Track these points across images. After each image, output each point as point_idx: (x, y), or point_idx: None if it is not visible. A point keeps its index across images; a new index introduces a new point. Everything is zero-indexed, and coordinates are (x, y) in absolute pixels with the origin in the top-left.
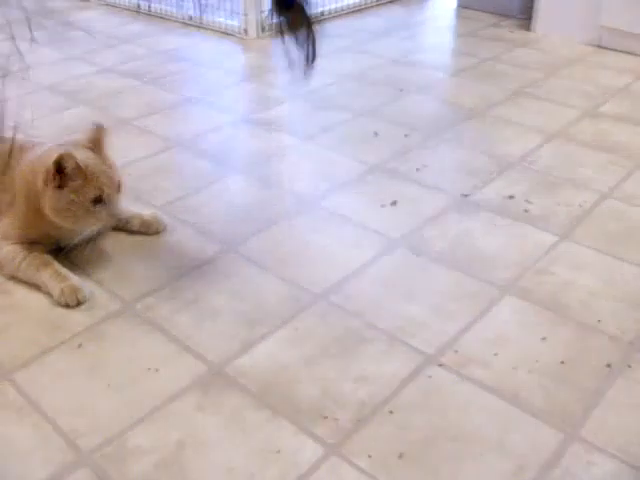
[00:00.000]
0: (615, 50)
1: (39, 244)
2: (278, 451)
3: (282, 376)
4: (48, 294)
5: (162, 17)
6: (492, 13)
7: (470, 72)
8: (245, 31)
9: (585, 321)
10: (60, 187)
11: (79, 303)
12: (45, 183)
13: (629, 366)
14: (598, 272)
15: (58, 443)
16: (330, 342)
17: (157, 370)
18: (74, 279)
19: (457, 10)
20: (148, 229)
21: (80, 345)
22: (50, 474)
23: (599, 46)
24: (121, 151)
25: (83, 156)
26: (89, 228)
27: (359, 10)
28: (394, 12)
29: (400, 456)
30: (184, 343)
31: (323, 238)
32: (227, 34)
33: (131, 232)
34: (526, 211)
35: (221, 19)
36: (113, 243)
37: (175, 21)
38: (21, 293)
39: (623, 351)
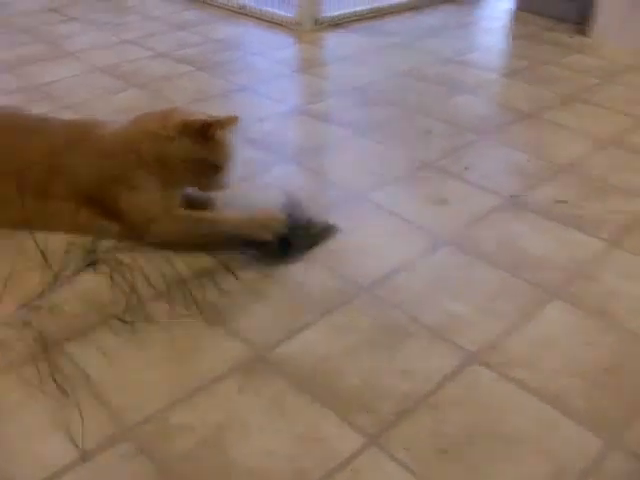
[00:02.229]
0: None
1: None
2: (318, 438)
3: (325, 365)
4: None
5: (216, 5)
6: (549, 17)
7: (524, 74)
8: (299, 23)
9: (632, 329)
10: (198, 142)
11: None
12: (190, 132)
13: None
14: None
15: (102, 416)
16: (374, 334)
17: (201, 351)
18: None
19: (513, 12)
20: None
21: (128, 323)
22: (95, 446)
23: None
24: None
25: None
26: (198, 188)
27: (414, 8)
28: (449, 11)
29: (440, 451)
30: (229, 326)
31: (370, 231)
32: (280, 25)
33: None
34: (576, 216)
35: (275, 10)
36: None
37: (229, 10)
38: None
39: None
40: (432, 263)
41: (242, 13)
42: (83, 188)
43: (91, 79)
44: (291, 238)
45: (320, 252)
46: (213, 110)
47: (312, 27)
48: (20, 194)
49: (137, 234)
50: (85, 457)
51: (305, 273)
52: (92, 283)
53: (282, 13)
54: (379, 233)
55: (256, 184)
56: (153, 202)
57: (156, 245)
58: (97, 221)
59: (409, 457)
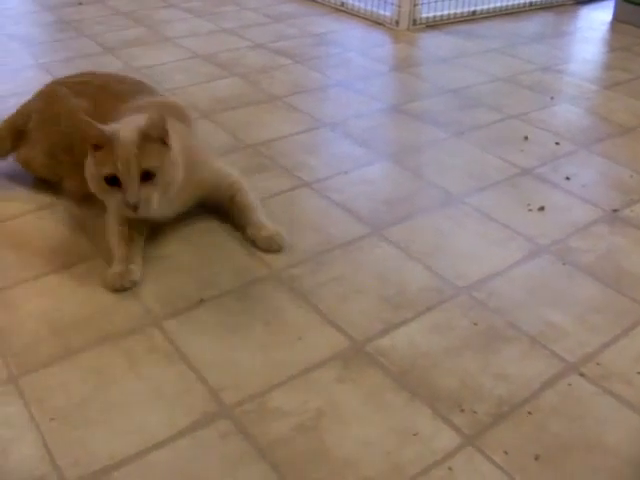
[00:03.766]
0: None
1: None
2: (415, 434)
3: (422, 362)
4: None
5: (313, 0)
6: None
7: (623, 87)
8: (396, 22)
9: None
10: (95, 150)
11: (123, 289)
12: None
13: None
14: None
15: (201, 393)
16: (471, 336)
17: (300, 338)
18: (132, 266)
19: (612, 23)
20: (262, 245)
21: (227, 304)
22: (192, 421)
23: None
24: (270, 126)
25: (130, 126)
26: (114, 208)
27: (511, 13)
28: (546, 18)
29: (536, 457)
30: (327, 316)
31: (467, 234)
32: (377, 23)
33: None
34: None
35: (373, 8)
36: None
37: (326, 5)
38: (175, 245)
39: None
40: (530, 270)
41: (339, 9)
42: None
43: (191, 65)
44: None
45: (419, 251)
46: (309, 103)
47: (409, 27)
48: None
49: None
50: (183, 432)
51: (402, 269)
52: (187, 257)
53: (380, 12)
54: (477, 236)
55: (352, 179)
56: None
57: None
58: None
59: (506, 461)
